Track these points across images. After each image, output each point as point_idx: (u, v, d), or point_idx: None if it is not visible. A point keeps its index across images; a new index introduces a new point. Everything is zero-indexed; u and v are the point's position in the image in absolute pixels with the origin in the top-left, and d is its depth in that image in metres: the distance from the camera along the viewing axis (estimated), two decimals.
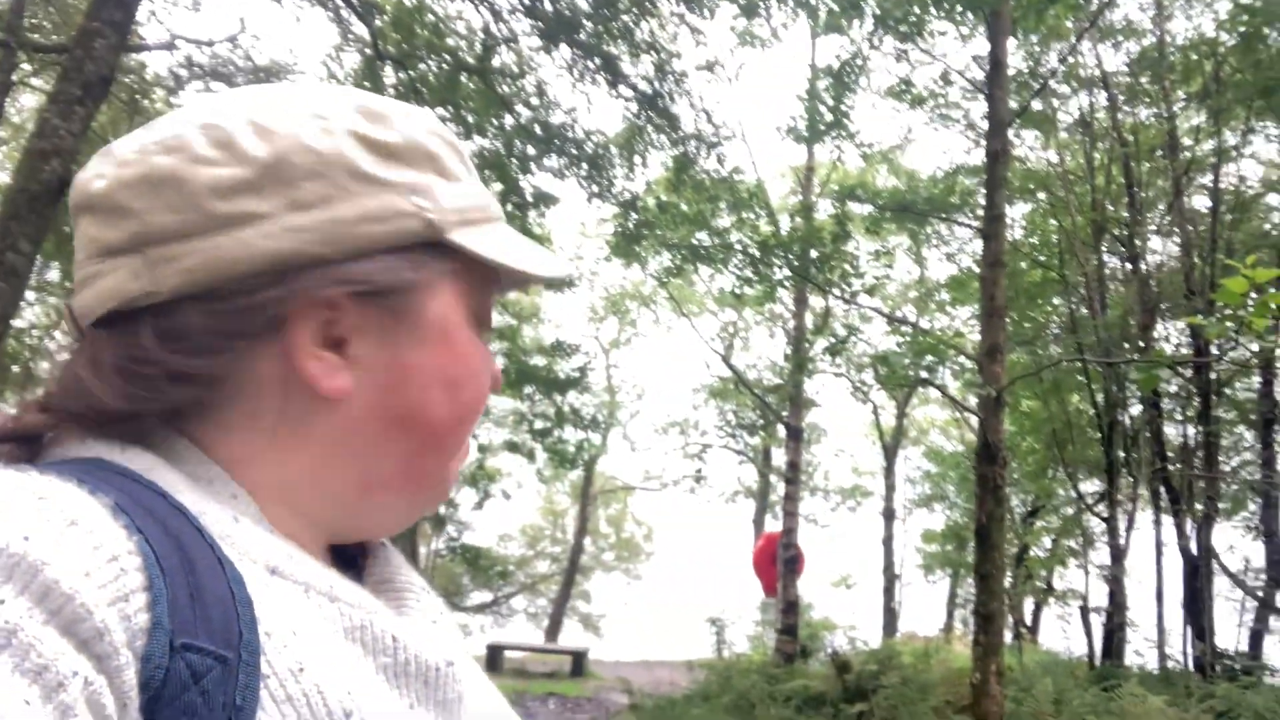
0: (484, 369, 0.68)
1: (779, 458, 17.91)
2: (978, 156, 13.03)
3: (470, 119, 10.64)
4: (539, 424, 18.95)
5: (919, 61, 11.42)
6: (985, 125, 9.19)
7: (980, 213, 10.29)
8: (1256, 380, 12.80)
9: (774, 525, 20.24)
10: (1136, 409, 12.53)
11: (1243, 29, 11.90)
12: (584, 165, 11.03)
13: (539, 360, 18.37)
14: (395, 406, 0.63)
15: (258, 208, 0.58)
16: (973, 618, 7.86)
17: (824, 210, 12.69)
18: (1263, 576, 12.44)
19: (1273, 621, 12.33)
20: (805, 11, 10.38)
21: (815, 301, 15.20)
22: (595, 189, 11.21)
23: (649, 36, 10.47)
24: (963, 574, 20.53)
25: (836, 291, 10.84)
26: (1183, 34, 13.19)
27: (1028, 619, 16.09)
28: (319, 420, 0.62)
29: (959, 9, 9.09)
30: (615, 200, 11.44)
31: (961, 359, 12.03)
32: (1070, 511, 14.41)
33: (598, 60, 10.40)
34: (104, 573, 0.47)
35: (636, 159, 11.25)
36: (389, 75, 10.44)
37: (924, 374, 11.46)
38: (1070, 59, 12.11)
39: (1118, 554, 12.12)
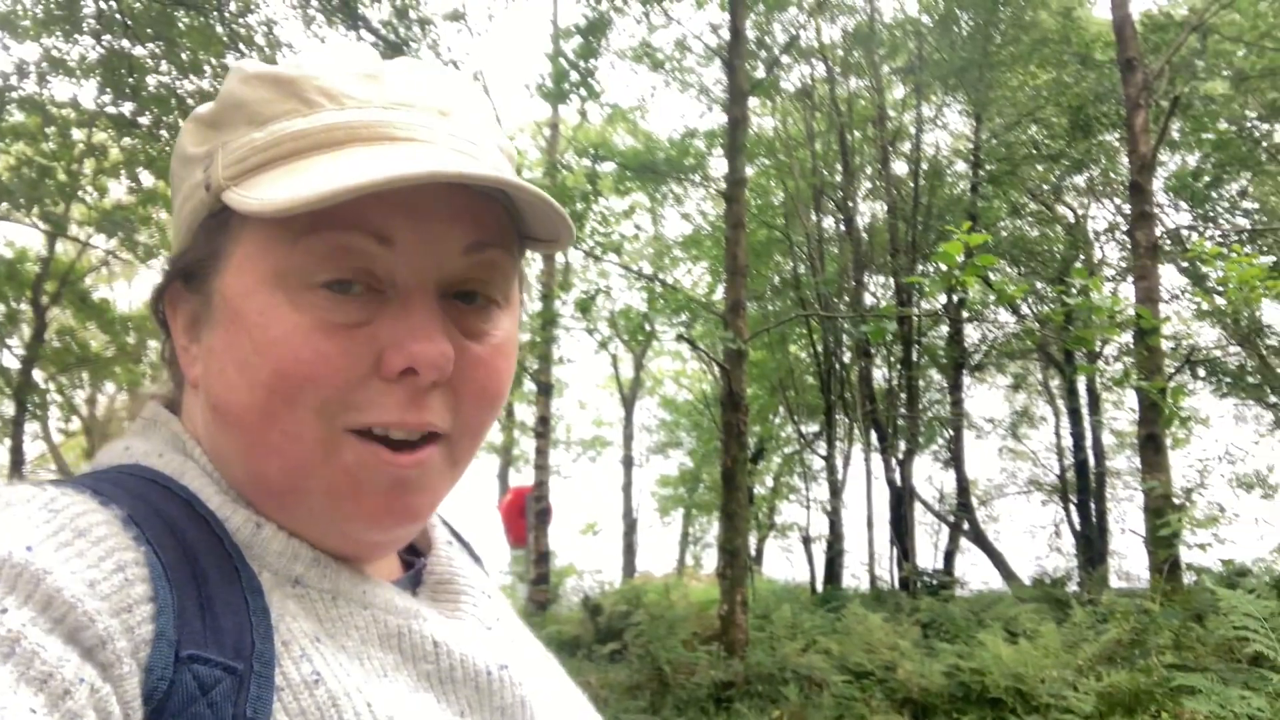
0: (286, 339, 0.55)
1: (522, 413, 18.04)
2: (710, 121, 13.66)
3: (185, 57, 9.72)
4: None
5: (659, 25, 11.75)
6: (718, 91, 9.65)
7: (716, 175, 10.81)
8: (944, 329, 14.50)
9: (518, 479, 20.46)
10: (848, 357, 13.80)
11: (938, 9, 13.23)
12: None
13: None
14: (210, 396, 0.58)
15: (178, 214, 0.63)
16: (719, 553, 8.41)
17: (569, 169, 12.82)
18: (953, 502, 14.24)
19: (962, 542, 14.16)
20: None
21: (557, 258, 15.35)
22: None
23: None
24: (694, 514, 21.81)
25: (585, 249, 11.03)
26: (890, 12, 14.47)
27: (752, 552, 17.45)
28: (198, 413, 0.62)
29: None
30: None
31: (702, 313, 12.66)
32: (791, 451, 15.69)
33: (333, 0, 9.82)
34: (109, 583, 0.46)
35: None
36: (88, 5, 9.28)
37: (681, 329, 11.96)
38: (799, 32, 12.92)
39: (835, 488, 13.39)
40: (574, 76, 10.59)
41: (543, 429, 13.75)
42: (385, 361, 0.56)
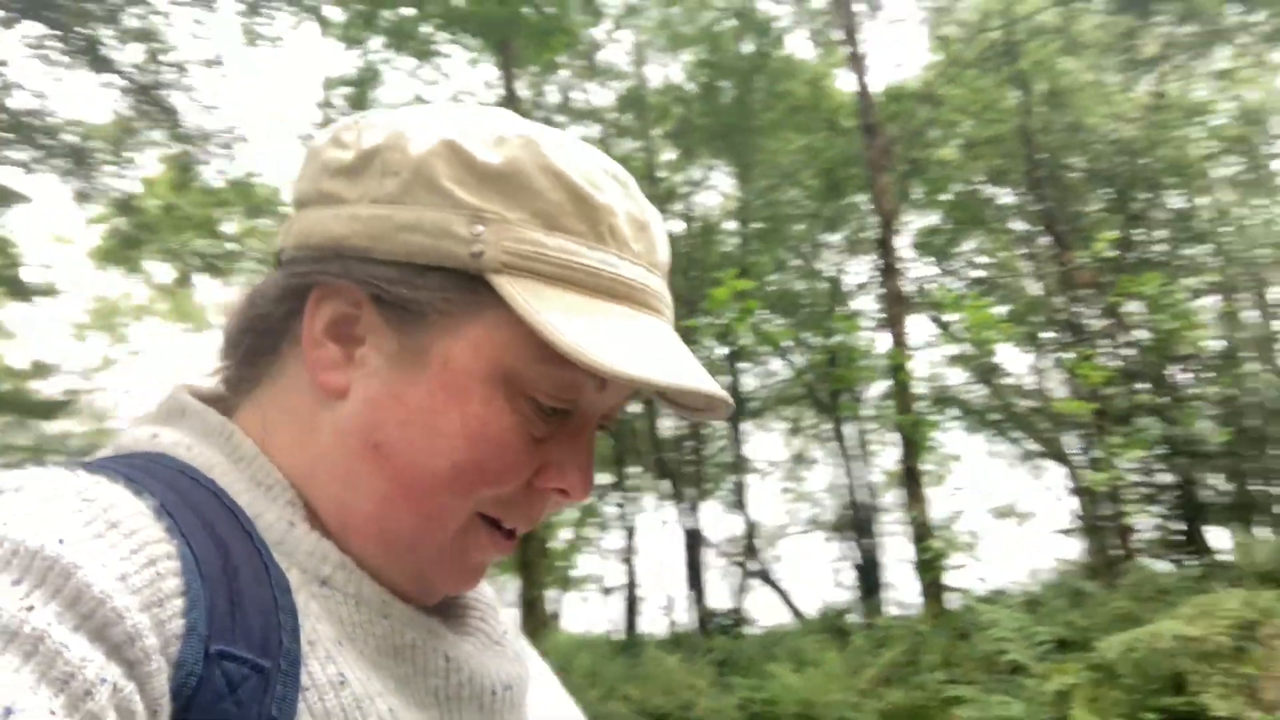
0: (494, 442, 0.57)
1: None
2: None
3: None
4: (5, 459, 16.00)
5: (431, 80, 11.74)
6: None
7: None
8: (726, 378, 15.12)
9: None
10: (637, 407, 14.10)
11: (703, 79, 14.02)
12: (63, 159, 9.62)
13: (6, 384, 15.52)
14: (375, 431, 0.57)
15: (345, 191, 0.58)
16: (519, 605, 8.28)
17: None
18: (742, 545, 14.73)
19: (753, 581, 14.63)
20: (313, 16, 10.14)
21: None
22: (80, 186, 9.83)
23: (139, 22, 9.47)
24: (492, 571, 21.32)
25: None
26: (658, 79, 15.17)
27: (550, 606, 17.28)
28: (323, 415, 0.59)
29: (469, 35, 9.53)
30: (106, 200, 10.14)
31: None
32: (586, 502, 15.74)
33: (77, 42, 9.15)
34: (140, 576, 0.46)
35: (129, 154, 10.09)
36: None
37: None
38: (569, 94, 13.29)
39: (630, 536, 13.54)
40: None
41: None
42: (545, 476, 0.59)
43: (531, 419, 0.58)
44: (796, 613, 13.96)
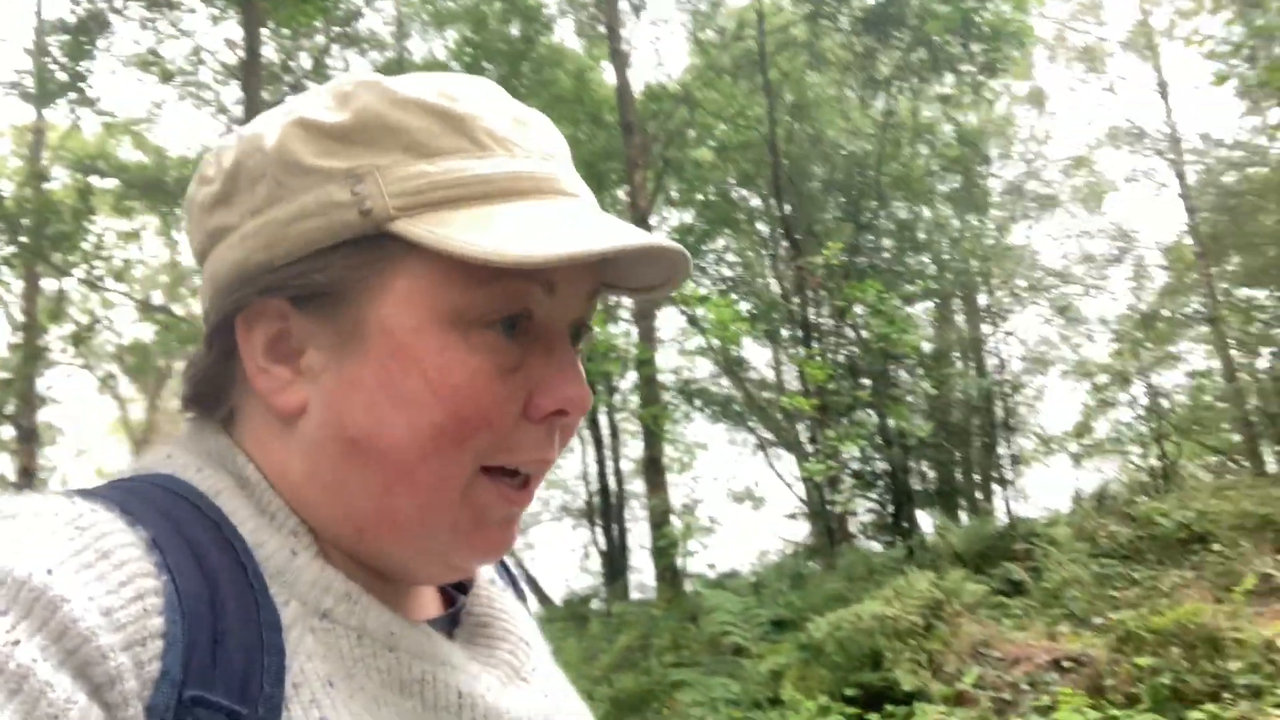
0: (467, 386, 0.54)
1: (3, 463, 15.31)
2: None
3: None
4: None
5: (168, 34, 10.81)
6: (239, 110, 9.13)
7: None
8: None
9: None
10: None
11: (466, 58, 13.76)
12: None
13: None
14: (346, 428, 0.55)
15: (227, 220, 0.57)
16: None
17: (60, 180, 11.23)
18: None
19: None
20: None
21: (50, 284, 13.35)
22: None
23: None
24: None
25: (78, 274, 9.70)
26: (420, 54, 14.73)
27: None
28: (291, 440, 0.57)
29: None
30: None
31: None
32: None
33: None
34: (125, 612, 0.45)
35: None
36: None
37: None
38: (324, 60, 12.64)
39: None
40: (62, 77, 9.34)
41: (26, 482, 11.78)
42: (535, 404, 0.57)
43: (496, 349, 0.55)
44: (544, 599, 14.11)
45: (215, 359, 0.59)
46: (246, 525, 0.55)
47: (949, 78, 12.86)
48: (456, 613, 0.65)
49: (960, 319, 17.33)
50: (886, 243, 14.28)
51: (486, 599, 0.67)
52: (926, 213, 15.07)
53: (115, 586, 0.45)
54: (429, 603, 0.65)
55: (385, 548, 0.57)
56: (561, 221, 0.55)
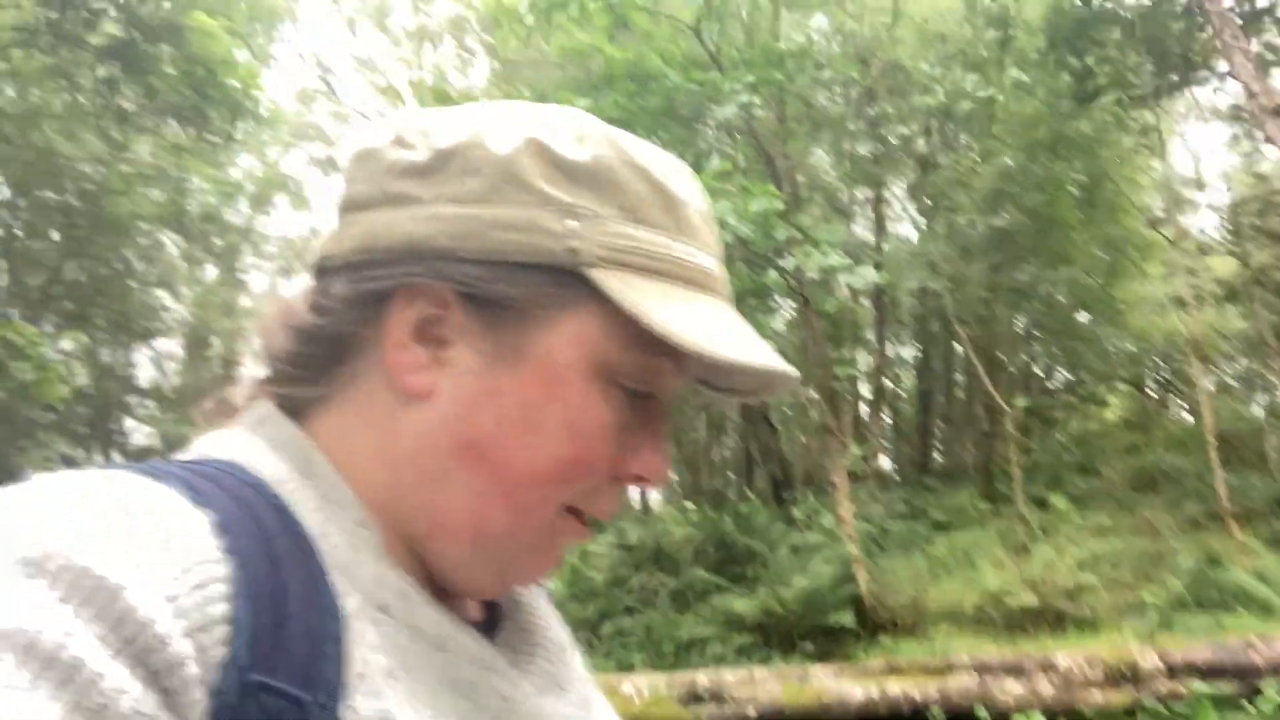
0: (594, 434, 0.58)
1: None
2: None
3: None
4: None
5: None
6: None
7: None
8: None
9: None
10: None
11: None
12: None
13: None
14: (468, 430, 0.57)
15: (418, 192, 0.57)
16: None
17: None
18: None
19: None
20: None
21: None
22: None
23: None
24: None
25: None
26: None
27: None
28: (404, 420, 0.59)
29: None
30: None
31: None
32: None
33: None
34: (189, 599, 0.45)
35: None
36: None
37: None
38: None
39: None
40: None
41: None
42: (626, 466, 0.61)
43: (621, 410, 0.59)
44: None
45: (338, 322, 0.59)
46: (312, 516, 0.55)
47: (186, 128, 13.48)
48: (496, 619, 0.66)
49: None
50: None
51: (527, 607, 0.68)
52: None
53: (179, 573, 0.45)
54: (471, 608, 0.65)
55: (456, 549, 0.59)
56: (730, 325, 0.59)
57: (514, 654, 0.64)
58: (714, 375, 0.63)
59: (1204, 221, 18.18)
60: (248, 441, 0.58)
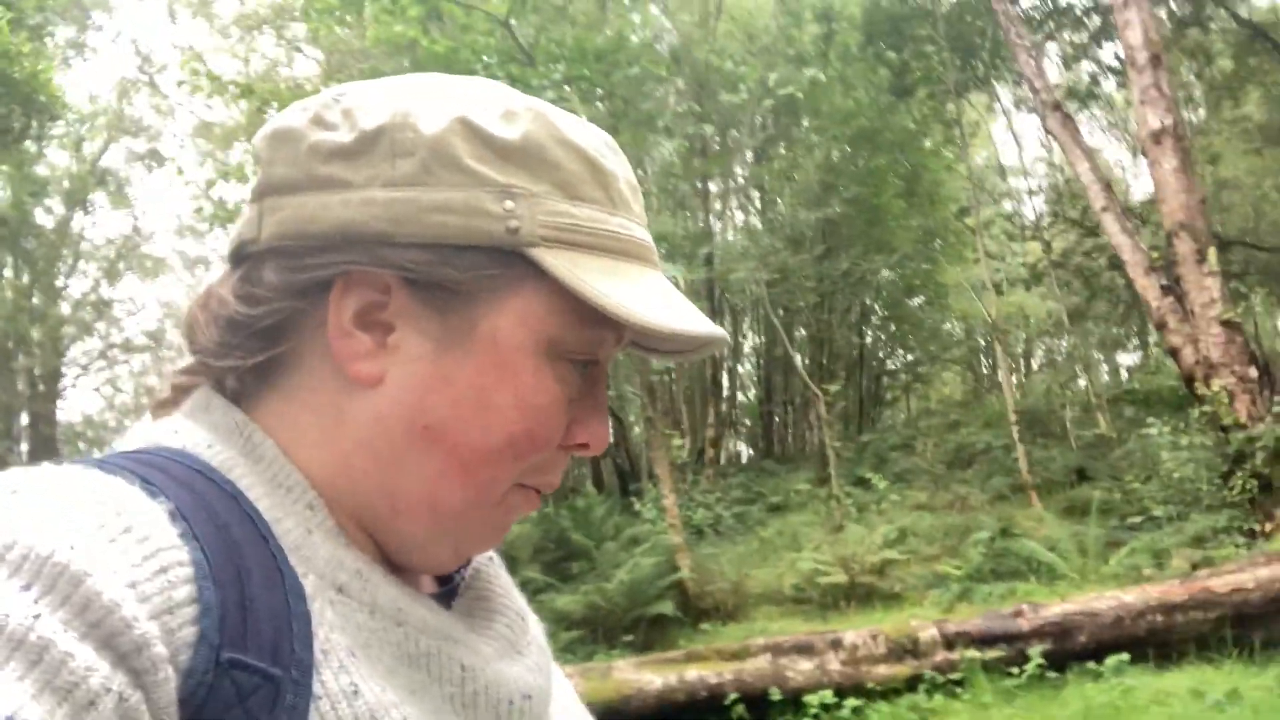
0: (545, 410, 0.59)
1: None
2: None
3: None
4: None
5: None
6: None
7: None
8: None
9: None
10: None
11: None
12: None
13: None
14: (422, 413, 0.57)
15: (347, 175, 0.56)
16: None
17: None
18: None
19: None
20: None
21: None
22: None
23: None
24: None
25: None
26: None
27: None
28: (353, 406, 0.58)
29: None
30: None
31: None
32: None
33: None
34: (151, 584, 0.45)
35: None
36: None
37: None
38: None
39: None
40: None
41: None
42: (571, 434, 0.62)
43: (569, 383, 0.60)
44: None
45: (272, 312, 0.58)
46: (263, 501, 0.55)
47: None
48: (453, 587, 0.67)
49: None
50: None
51: (485, 575, 0.69)
52: None
53: (139, 560, 0.46)
54: (425, 579, 0.66)
55: (415, 528, 0.59)
56: (667, 294, 0.61)
57: (471, 620, 0.64)
58: (649, 340, 0.64)
59: (1026, 209, 19.28)
60: (191, 429, 0.58)
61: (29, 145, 13.93)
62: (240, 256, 0.60)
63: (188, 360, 0.62)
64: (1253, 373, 9.06)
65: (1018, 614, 6.57)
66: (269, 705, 0.48)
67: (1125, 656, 6.15)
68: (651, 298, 0.59)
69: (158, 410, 0.62)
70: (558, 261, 0.56)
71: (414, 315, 0.58)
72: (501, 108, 0.59)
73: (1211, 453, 9.00)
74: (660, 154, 12.75)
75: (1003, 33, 11.85)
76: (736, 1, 17.68)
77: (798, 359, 15.22)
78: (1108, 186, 10.47)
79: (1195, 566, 7.79)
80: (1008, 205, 17.73)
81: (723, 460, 20.11)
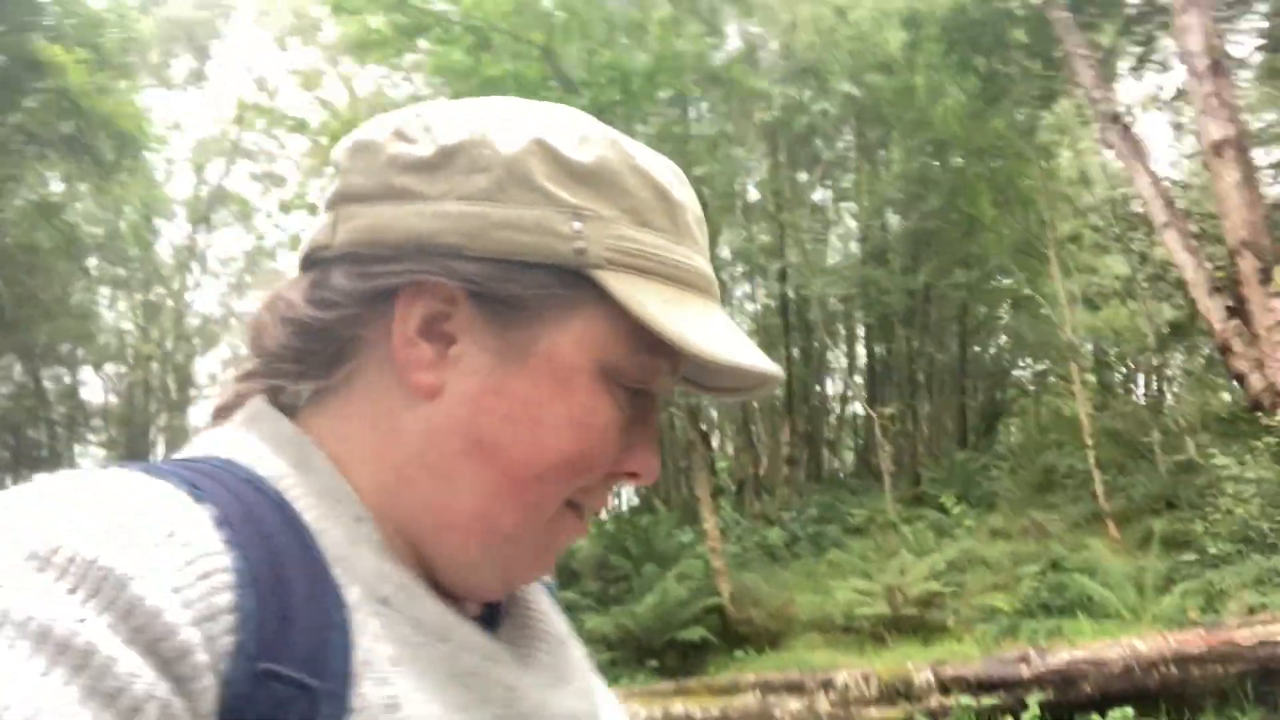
0: (599, 431, 0.59)
1: None
2: None
3: None
4: None
5: None
6: None
7: None
8: None
9: None
10: None
11: None
12: None
13: None
14: (478, 427, 0.58)
15: (424, 188, 0.57)
16: None
17: None
18: None
19: None
20: None
21: None
22: None
23: None
24: None
25: None
26: None
27: None
28: (408, 417, 0.59)
29: None
30: None
31: None
32: None
33: None
34: (194, 589, 0.45)
35: None
36: None
37: None
38: None
39: None
40: None
41: None
42: (622, 462, 0.61)
43: (623, 408, 0.60)
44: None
45: (342, 316, 0.59)
46: (310, 512, 0.55)
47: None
48: (495, 616, 0.66)
49: None
50: None
51: (525, 601, 0.68)
52: None
53: (183, 565, 0.45)
54: (470, 606, 0.65)
55: (464, 547, 0.59)
56: (726, 328, 0.61)
57: (515, 648, 0.63)
58: (705, 375, 0.65)
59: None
60: (243, 438, 0.58)
61: (124, 176, 14.96)
62: (312, 261, 0.61)
63: (245, 366, 0.63)
64: None
65: (1023, 659, 6.26)
66: (306, 716, 0.48)
67: (1129, 711, 5.78)
68: (711, 329, 0.59)
69: (216, 419, 0.63)
70: (621, 286, 0.57)
71: (476, 328, 0.58)
72: (578, 133, 0.60)
73: (1277, 487, 8.31)
74: (710, 170, 12.63)
75: (1059, 42, 11.28)
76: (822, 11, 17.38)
77: (849, 379, 14.69)
78: (1170, 202, 9.82)
79: (1252, 611, 7.23)
80: (1095, 217, 16.73)
81: (824, 474, 19.77)
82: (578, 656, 0.69)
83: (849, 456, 22.61)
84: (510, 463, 0.57)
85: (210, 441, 0.59)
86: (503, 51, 11.13)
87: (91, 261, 19.90)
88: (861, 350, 21.98)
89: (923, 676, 6.29)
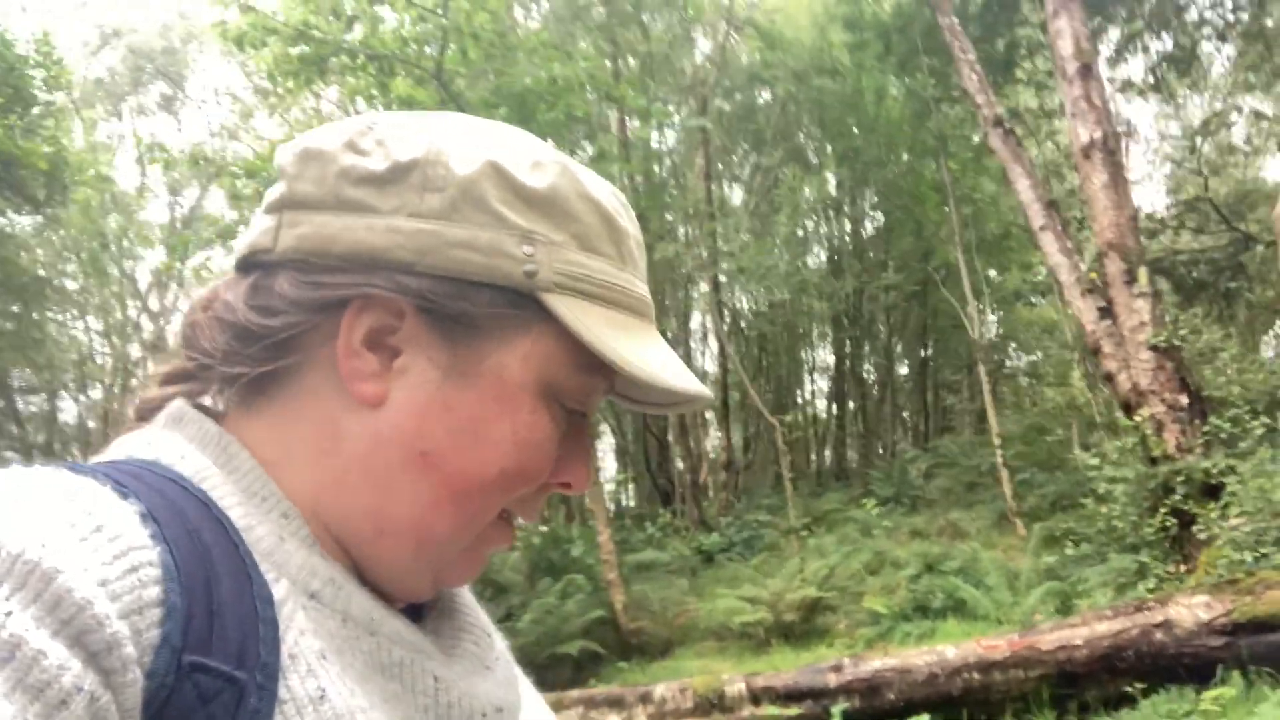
0: (539, 447, 0.61)
1: None
2: None
3: None
4: None
5: None
6: None
7: None
8: None
9: None
10: None
11: None
12: None
13: None
14: (423, 439, 0.59)
15: (375, 202, 0.58)
16: None
17: None
18: None
19: None
20: None
21: None
22: None
23: None
24: None
25: None
26: None
27: None
28: (352, 424, 0.59)
29: None
30: None
31: None
32: None
33: None
34: (121, 583, 0.45)
35: None
36: None
37: None
38: None
39: None
40: None
41: None
42: (556, 474, 0.63)
43: (560, 424, 0.62)
44: None
45: (286, 324, 0.59)
46: (235, 510, 0.55)
47: None
48: (420, 609, 0.67)
49: None
50: None
51: (449, 594, 0.69)
52: None
53: (110, 559, 0.45)
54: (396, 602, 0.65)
55: (398, 552, 0.60)
56: (664, 352, 0.63)
57: (441, 639, 0.65)
58: (637, 391, 0.66)
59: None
60: (166, 439, 0.58)
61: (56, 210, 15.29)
62: (251, 264, 0.61)
63: (169, 366, 0.64)
64: (1184, 401, 8.38)
65: (835, 668, 6.33)
66: (232, 709, 0.48)
67: (926, 717, 5.85)
68: (648, 352, 0.61)
69: (138, 420, 0.62)
70: (568, 309, 0.59)
71: (423, 342, 0.59)
72: (531, 158, 0.61)
73: (1137, 486, 8.36)
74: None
75: (949, 49, 11.34)
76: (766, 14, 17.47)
77: (749, 385, 14.70)
78: (1049, 205, 9.88)
79: (1139, 610, 7.26)
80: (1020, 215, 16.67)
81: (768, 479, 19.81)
82: (501, 648, 0.71)
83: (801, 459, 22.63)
84: (452, 475, 0.59)
85: (133, 443, 0.59)
86: (403, 77, 11.30)
87: (71, 285, 20.14)
88: (823, 354, 22.01)
89: (735, 688, 6.37)
